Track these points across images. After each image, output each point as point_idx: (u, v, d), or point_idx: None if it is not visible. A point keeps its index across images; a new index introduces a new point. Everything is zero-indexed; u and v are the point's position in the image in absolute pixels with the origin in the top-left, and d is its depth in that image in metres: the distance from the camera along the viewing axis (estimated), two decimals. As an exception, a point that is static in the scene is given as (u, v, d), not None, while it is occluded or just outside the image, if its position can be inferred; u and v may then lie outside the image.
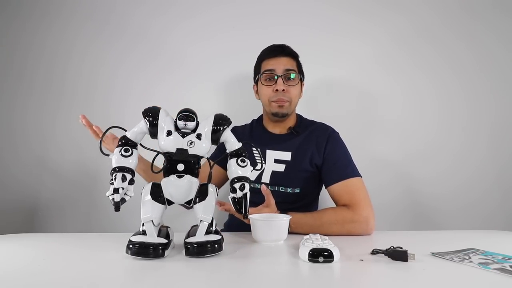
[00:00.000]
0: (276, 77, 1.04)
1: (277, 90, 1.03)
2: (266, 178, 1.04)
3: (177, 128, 0.68)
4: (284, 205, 0.91)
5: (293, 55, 1.09)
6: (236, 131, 0.94)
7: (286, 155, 1.05)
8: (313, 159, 1.03)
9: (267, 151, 1.06)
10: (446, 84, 1.41)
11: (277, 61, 1.05)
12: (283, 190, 1.03)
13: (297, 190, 1.02)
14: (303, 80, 1.13)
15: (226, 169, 0.71)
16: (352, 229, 0.88)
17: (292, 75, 1.05)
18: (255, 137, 1.13)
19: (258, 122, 1.19)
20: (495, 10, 1.40)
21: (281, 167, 1.04)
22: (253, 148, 0.91)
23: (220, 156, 0.81)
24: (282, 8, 1.45)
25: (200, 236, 0.64)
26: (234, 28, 1.45)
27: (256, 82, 1.13)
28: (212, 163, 0.73)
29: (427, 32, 1.42)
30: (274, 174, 1.04)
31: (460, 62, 1.41)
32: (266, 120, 1.15)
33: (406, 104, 1.41)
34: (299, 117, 1.16)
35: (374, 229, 0.90)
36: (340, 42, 1.43)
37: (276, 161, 1.05)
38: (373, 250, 0.66)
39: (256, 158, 1.00)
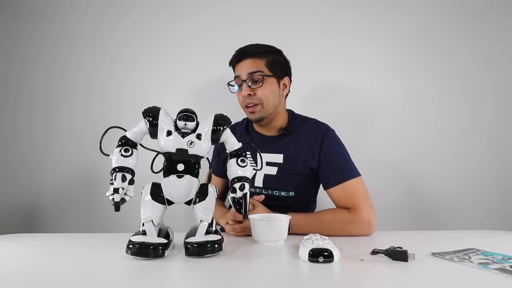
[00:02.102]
0: (241, 83, 1.01)
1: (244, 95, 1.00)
2: (258, 182, 1.02)
3: (177, 128, 0.68)
4: (279, 209, 0.90)
5: (260, 54, 1.01)
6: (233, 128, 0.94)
7: (278, 157, 1.02)
8: (307, 162, 0.99)
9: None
10: (445, 84, 1.41)
11: (241, 66, 1.02)
12: (277, 194, 1.01)
13: (291, 193, 1.00)
14: (281, 75, 1.04)
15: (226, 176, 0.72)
16: (353, 230, 0.88)
17: (257, 77, 0.99)
18: (246, 139, 1.08)
19: (248, 123, 1.15)
20: (494, 11, 1.40)
21: (273, 170, 1.01)
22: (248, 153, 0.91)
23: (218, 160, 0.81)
24: (282, 7, 1.44)
25: (200, 236, 0.64)
26: (232, 29, 1.44)
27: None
28: (211, 162, 0.74)
29: (427, 33, 1.41)
30: (266, 177, 1.01)
31: (460, 62, 1.41)
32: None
33: (406, 104, 1.41)
34: (290, 114, 1.10)
35: (376, 229, 0.90)
36: (340, 41, 1.42)
37: (268, 163, 1.02)
38: (373, 250, 0.66)
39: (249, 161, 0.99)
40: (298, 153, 1.01)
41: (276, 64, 1.03)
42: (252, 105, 1.00)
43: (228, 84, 1.06)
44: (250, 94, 0.99)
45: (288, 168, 1.00)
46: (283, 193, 1.01)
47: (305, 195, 1.04)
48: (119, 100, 1.45)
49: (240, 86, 1.02)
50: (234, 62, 1.04)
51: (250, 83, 0.99)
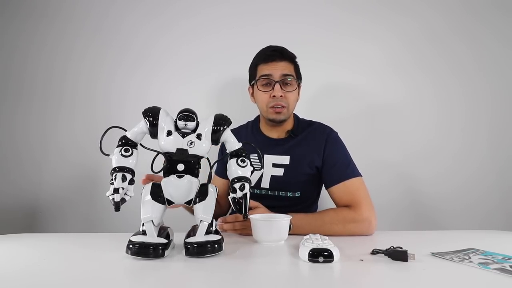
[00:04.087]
0: (273, 83, 1.01)
1: (274, 96, 1.00)
2: (265, 183, 1.03)
3: (177, 128, 0.68)
4: (284, 209, 0.90)
5: (291, 59, 1.05)
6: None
7: (285, 159, 1.03)
8: (313, 162, 1.01)
9: (265, 155, 1.04)
10: (446, 85, 1.41)
11: (274, 66, 1.01)
12: (283, 195, 1.02)
13: (297, 194, 1.02)
14: (301, 82, 1.10)
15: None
16: (354, 229, 0.88)
17: (290, 80, 1.02)
18: (251, 141, 1.10)
19: (254, 126, 1.16)
20: (496, 10, 1.40)
21: (280, 171, 1.03)
22: (252, 154, 0.90)
23: (219, 160, 0.83)
24: (284, 7, 1.44)
25: (200, 236, 0.64)
26: (234, 28, 1.45)
27: (252, 85, 1.09)
28: (211, 163, 0.74)
29: (429, 33, 1.42)
30: (273, 178, 1.03)
31: (460, 62, 1.41)
32: (263, 124, 1.13)
33: (407, 104, 1.41)
34: (296, 118, 1.13)
35: (376, 229, 0.90)
36: (342, 42, 1.43)
37: (275, 165, 1.03)
38: (373, 250, 0.66)
39: (253, 162, 0.99)
40: (304, 154, 1.03)
41: (298, 70, 1.09)
42: (280, 106, 1.01)
43: (255, 81, 1.05)
44: (281, 96, 1.00)
45: (295, 168, 1.02)
46: (289, 194, 1.02)
47: (309, 195, 1.06)
48: (119, 100, 1.45)
49: (269, 85, 1.02)
50: (265, 60, 1.03)
51: (282, 85, 1.01)
